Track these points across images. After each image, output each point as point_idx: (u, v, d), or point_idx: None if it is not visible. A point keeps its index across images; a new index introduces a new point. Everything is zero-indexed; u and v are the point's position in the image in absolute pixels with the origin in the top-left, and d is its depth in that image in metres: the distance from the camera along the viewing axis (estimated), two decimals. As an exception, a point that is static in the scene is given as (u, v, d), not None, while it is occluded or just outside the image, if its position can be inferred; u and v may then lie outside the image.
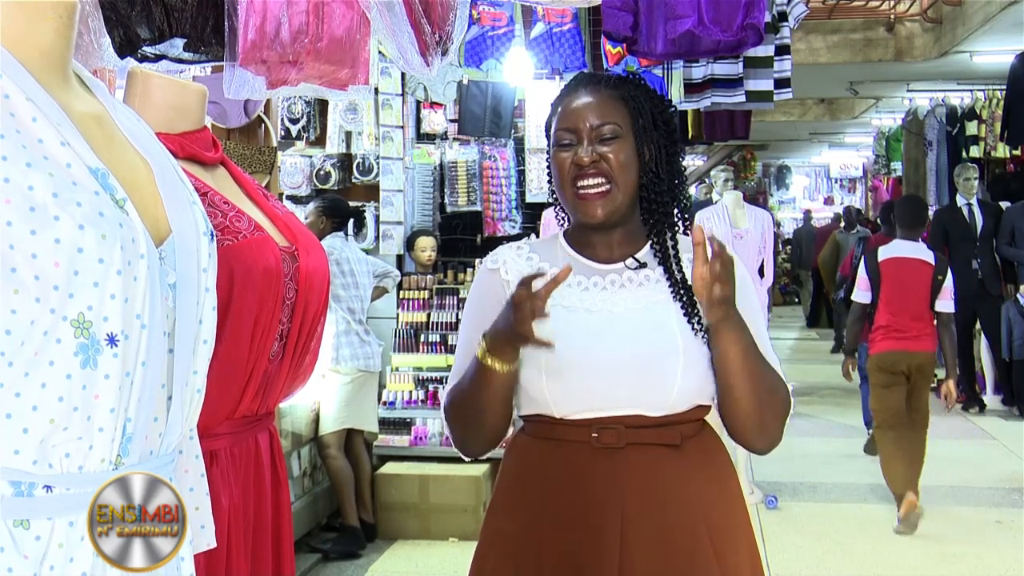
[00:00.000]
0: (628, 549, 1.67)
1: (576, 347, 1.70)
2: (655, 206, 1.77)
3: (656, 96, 1.81)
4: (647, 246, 1.80)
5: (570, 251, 1.82)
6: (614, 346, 1.70)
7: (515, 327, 1.60)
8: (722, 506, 1.75)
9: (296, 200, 5.98)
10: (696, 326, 1.72)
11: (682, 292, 1.73)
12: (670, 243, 1.78)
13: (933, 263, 5.38)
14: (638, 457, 1.69)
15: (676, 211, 1.82)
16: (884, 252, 5.49)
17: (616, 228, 1.78)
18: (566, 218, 1.87)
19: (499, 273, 1.82)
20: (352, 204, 5.54)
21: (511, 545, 1.75)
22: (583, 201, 1.74)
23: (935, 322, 5.38)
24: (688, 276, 1.75)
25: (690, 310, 1.72)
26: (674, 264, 1.77)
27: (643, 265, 1.78)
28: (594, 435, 1.69)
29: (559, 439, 1.73)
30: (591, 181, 1.73)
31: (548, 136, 1.82)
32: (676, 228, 1.82)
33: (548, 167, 1.82)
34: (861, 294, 5.51)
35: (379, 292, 5.50)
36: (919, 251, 5.45)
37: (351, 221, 5.51)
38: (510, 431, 1.86)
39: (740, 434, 1.77)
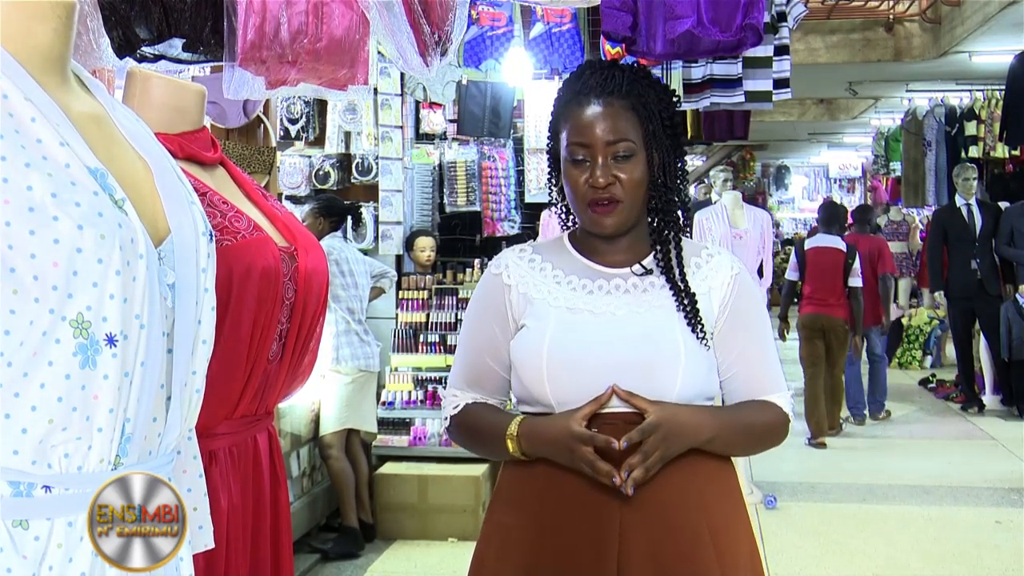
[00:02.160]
0: (627, 544, 1.68)
1: (578, 347, 1.72)
2: (662, 214, 1.79)
3: (663, 94, 1.79)
4: (653, 253, 1.81)
5: (576, 255, 1.83)
6: (616, 348, 1.71)
7: (587, 471, 1.67)
8: (722, 504, 1.76)
9: (295, 200, 5.97)
10: (699, 333, 1.73)
11: (685, 299, 1.75)
12: (674, 250, 1.79)
13: (844, 250, 7.28)
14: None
15: (681, 213, 1.83)
16: (809, 243, 7.54)
17: (623, 236, 1.80)
18: (567, 220, 1.88)
19: (501, 278, 1.83)
20: (347, 202, 5.53)
21: (511, 538, 1.77)
22: (596, 215, 1.75)
23: (848, 295, 7.25)
24: (692, 282, 1.77)
25: (692, 317, 1.74)
26: (677, 272, 1.78)
27: (648, 271, 1.79)
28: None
29: None
30: (605, 200, 1.74)
31: (555, 136, 1.81)
32: (685, 232, 1.83)
33: (549, 165, 1.83)
34: (791, 273, 7.51)
35: (376, 292, 5.50)
36: (835, 242, 7.35)
37: (348, 220, 5.51)
38: None
39: None
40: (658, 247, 1.80)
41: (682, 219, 1.84)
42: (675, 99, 1.82)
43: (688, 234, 1.85)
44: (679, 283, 1.76)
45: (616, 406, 1.70)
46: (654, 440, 1.65)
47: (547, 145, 1.85)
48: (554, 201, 1.89)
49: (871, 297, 7.79)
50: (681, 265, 1.78)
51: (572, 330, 1.73)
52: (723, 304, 1.78)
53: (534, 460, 1.75)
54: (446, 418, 1.90)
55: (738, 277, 1.81)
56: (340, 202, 5.38)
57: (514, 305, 1.81)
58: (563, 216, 1.89)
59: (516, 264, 1.84)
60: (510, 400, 1.88)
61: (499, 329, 1.82)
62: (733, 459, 1.85)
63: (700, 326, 1.74)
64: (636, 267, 1.79)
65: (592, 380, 1.70)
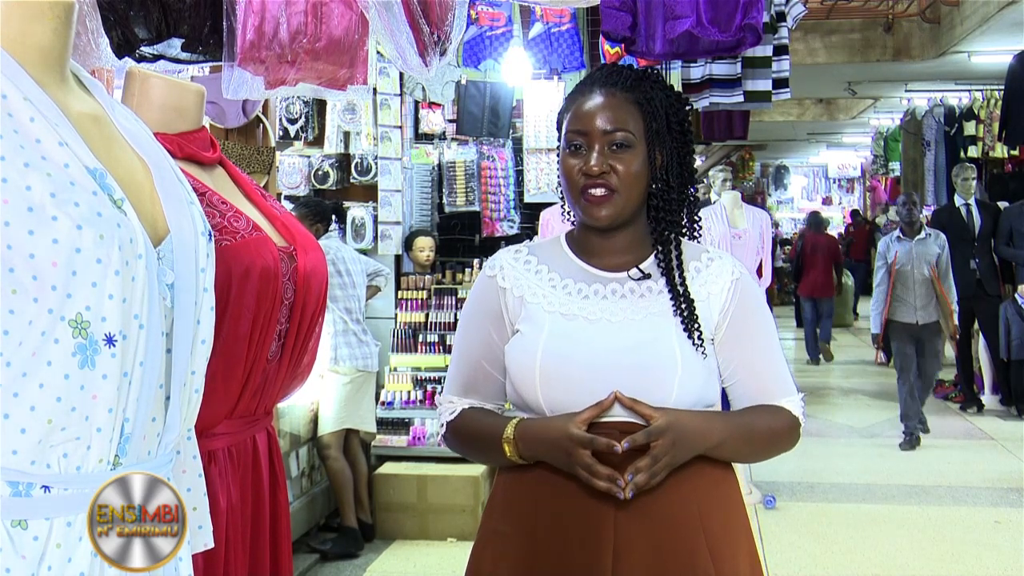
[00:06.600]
0: (622, 552, 1.66)
1: (571, 355, 1.69)
2: (663, 214, 1.75)
3: (672, 95, 1.77)
4: (653, 255, 1.78)
5: (572, 256, 1.80)
6: (610, 355, 1.68)
7: (583, 475, 1.64)
8: (720, 512, 1.73)
9: (294, 200, 5.97)
10: (696, 340, 1.70)
11: (683, 306, 1.71)
12: (675, 252, 1.76)
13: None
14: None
15: (684, 217, 1.80)
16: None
17: (621, 233, 1.76)
18: (572, 219, 1.85)
19: (496, 280, 1.80)
20: (328, 201, 5.47)
21: (507, 545, 1.74)
22: (589, 204, 1.72)
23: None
24: (692, 287, 1.74)
25: (689, 324, 1.70)
26: (677, 276, 1.74)
27: (647, 276, 1.76)
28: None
29: None
30: (598, 192, 1.71)
31: (559, 131, 1.79)
32: (685, 234, 1.80)
33: (559, 164, 1.81)
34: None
35: (372, 291, 5.50)
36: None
37: (347, 221, 5.50)
38: None
39: None
40: (659, 247, 1.76)
41: (689, 223, 1.80)
42: (687, 103, 1.79)
43: (697, 238, 1.82)
44: (678, 288, 1.73)
45: (615, 415, 1.66)
46: (663, 445, 1.61)
47: (557, 143, 1.82)
48: (562, 205, 1.85)
49: (827, 277, 11.70)
50: (681, 269, 1.75)
51: (566, 336, 1.70)
52: (723, 311, 1.74)
53: (529, 466, 1.72)
54: (442, 425, 1.85)
55: (738, 282, 1.77)
56: (325, 203, 5.36)
57: (510, 308, 1.77)
58: (567, 218, 1.86)
59: (511, 266, 1.80)
60: (508, 404, 1.86)
61: (495, 332, 1.79)
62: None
63: (698, 334, 1.70)
64: (633, 271, 1.76)
65: (585, 388, 1.66)
